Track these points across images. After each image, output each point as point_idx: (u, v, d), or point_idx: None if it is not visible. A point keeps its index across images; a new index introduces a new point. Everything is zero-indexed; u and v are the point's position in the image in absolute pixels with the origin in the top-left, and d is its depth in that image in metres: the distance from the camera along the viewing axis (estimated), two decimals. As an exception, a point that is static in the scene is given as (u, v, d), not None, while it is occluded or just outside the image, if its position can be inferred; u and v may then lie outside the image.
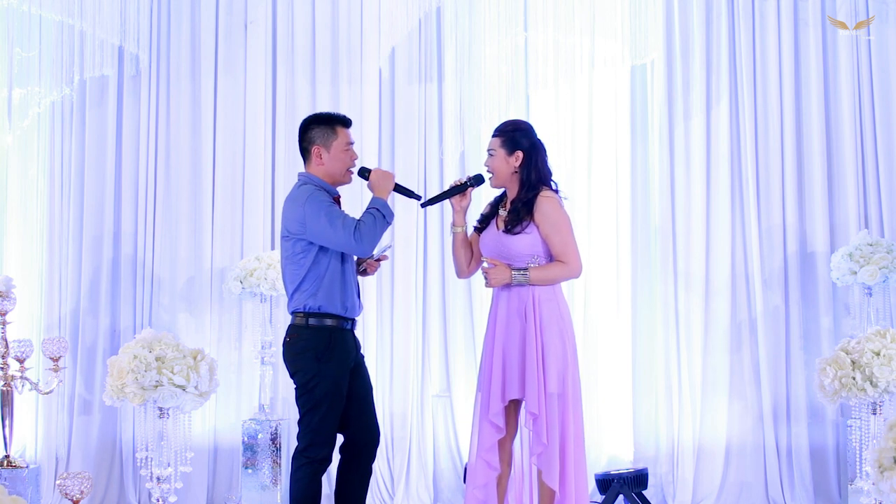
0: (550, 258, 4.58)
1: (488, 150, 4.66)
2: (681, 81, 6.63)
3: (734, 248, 6.57)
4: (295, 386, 4.66)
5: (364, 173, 4.70)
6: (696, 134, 6.62)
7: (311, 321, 4.55)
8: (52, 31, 6.72)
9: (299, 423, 4.63)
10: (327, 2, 6.82)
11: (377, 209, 4.55)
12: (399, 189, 4.75)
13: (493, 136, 4.67)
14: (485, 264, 4.65)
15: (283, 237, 4.61)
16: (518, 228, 4.55)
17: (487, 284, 4.61)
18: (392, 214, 4.61)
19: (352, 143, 4.68)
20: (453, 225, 4.73)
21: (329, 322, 4.56)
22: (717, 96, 6.63)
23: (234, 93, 6.81)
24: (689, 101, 6.63)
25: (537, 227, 4.54)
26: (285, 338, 4.65)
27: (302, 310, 4.56)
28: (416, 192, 4.85)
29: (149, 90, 6.80)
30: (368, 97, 6.76)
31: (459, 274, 4.82)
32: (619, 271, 6.64)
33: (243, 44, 6.83)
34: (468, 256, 4.75)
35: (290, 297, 4.61)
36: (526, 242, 4.54)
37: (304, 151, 4.68)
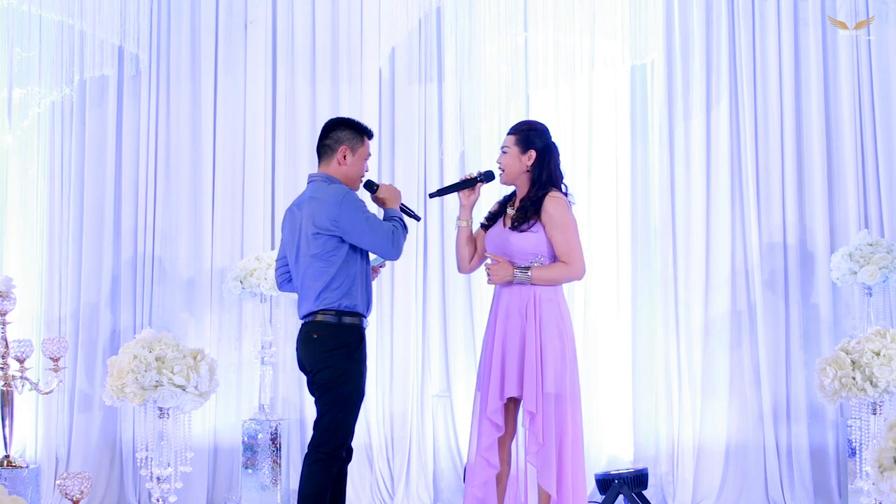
0: (554, 259, 4.59)
1: (502, 148, 4.70)
2: (681, 81, 6.63)
3: (734, 248, 6.56)
4: (318, 383, 4.63)
5: (371, 187, 4.77)
6: (696, 134, 6.61)
7: (345, 319, 4.59)
8: (52, 31, 6.72)
9: (321, 420, 4.61)
10: (327, 2, 6.83)
11: (399, 219, 4.67)
12: (402, 207, 4.81)
13: (509, 133, 4.71)
14: (488, 261, 4.67)
15: (311, 234, 4.58)
16: (525, 226, 4.57)
17: (489, 281, 4.63)
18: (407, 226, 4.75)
19: (369, 156, 4.78)
20: (459, 219, 4.76)
21: (355, 320, 4.63)
22: (717, 96, 6.63)
23: (234, 93, 6.81)
24: (689, 101, 6.63)
25: (543, 227, 4.56)
26: (310, 334, 4.62)
27: (335, 307, 4.57)
28: (417, 213, 4.93)
29: (149, 90, 6.81)
30: (368, 97, 6.76)
31: (460, 269, 4.85)
32: (619, 271, 6.64)
33: (243, 44, 6.83)
34: (471, 252, 4.78)
35: (318, 295, 4.58)
36: (531, 241, 4.56)
37: (327, 149, 4.70)
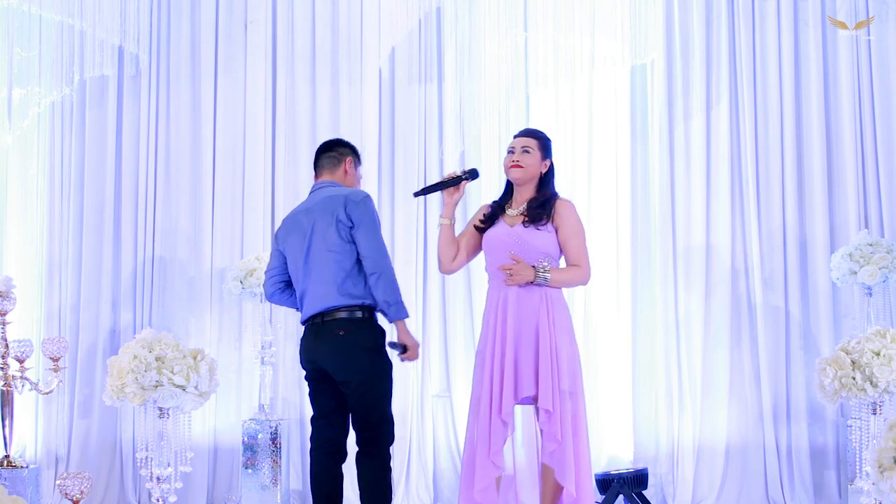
0: (558, 261, 4.62)
1: (524, 148, 4.72)
2: (681, 81, 6.63)
3: (734, 248, 6.56)
4: (355, 381, 4.61)
5: (398, 348, 4.85)
6: (696, 134, 6.61)
7: (366, 314, 4.66)
8: (52, 31, 6.72)
9: (369, 417, 4.63)
10: (327, 2, 6.83)
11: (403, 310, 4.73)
12: (394, 343, 4.84)
13: (528, 136, 4.78)
14: (485, 257, 4.71)
15: (332, 227, 4.61)
16: (541, 223, 4.61)
17: (508, 282, 4.60)
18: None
19: (360, 179, 4.99)
20: (441, 216, 4.77)
21: (375, 317, 4.72)
22: (717, 96, 6.63)
23: (234, 93, 6.81)
24: (689, 101, 6.63)
25: (556, 230, 4.61)
26: (335, 332, 4.61)
27: (359, 303, 4.60)
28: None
29: (149, 90, 6.81)
30: (368, 97, 6.76)
31: (442, 268, 4.84)
32: (619, 271, 6.64)
33: (243, 44, 6.83)
34: (454, 251, 4.78)
35: (339, 286, 4.59)
36: (547, 240, 4.62)
37: (333, 160, 4.85)
